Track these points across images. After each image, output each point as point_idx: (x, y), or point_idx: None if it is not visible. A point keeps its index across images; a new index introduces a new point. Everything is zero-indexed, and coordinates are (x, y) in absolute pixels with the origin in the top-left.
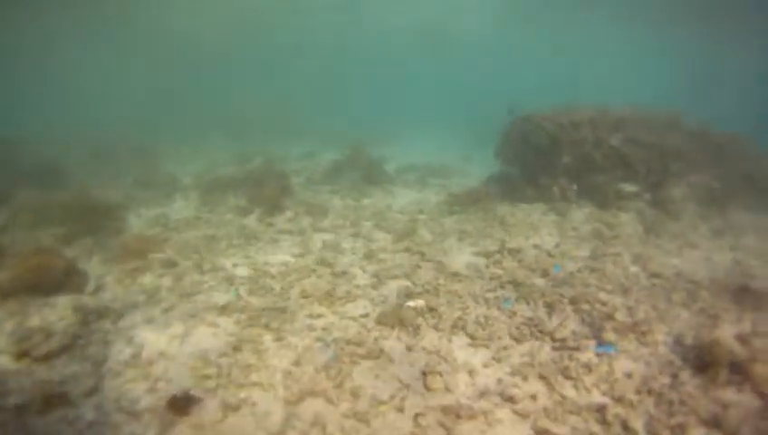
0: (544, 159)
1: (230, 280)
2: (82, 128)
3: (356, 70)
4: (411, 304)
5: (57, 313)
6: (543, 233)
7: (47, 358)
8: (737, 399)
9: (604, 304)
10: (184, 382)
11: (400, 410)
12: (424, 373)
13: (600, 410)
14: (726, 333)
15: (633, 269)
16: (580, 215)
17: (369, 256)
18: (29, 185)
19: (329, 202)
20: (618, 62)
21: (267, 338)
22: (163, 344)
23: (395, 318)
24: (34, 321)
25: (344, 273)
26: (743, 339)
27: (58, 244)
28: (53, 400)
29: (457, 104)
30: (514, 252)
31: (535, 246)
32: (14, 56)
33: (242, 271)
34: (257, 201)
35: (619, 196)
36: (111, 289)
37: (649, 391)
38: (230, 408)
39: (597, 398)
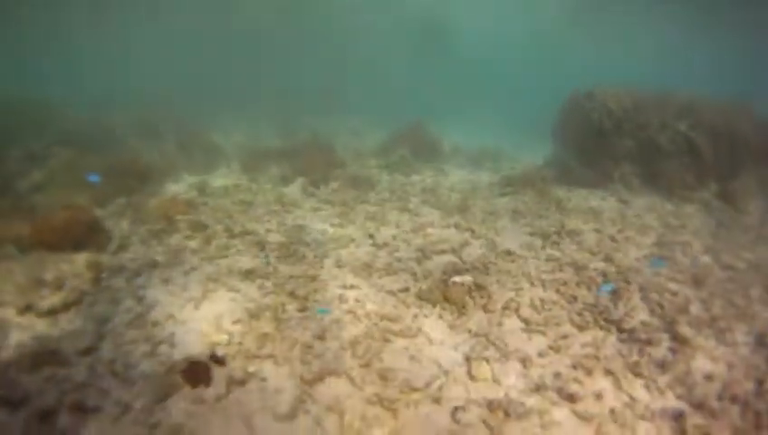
0: (605, 142)
1: (261, 245)
2: (130, 97)
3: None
4: (457, 279)
5: (72, 269)
6: (604, 218)
7: (51, 313)
8: None
9: (675, 294)
10: (189, 349)
11: (437, 400)
12: (468, 359)
13: (677, 417)
14: None
15: (705, 260)
16: (643, 202)
17: (415, 230)
18: (70, 147)
19: (376, 177)
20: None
21: (291, 307)
22: (175, 307)
23: (438, 294)
24: (48, 275)
25: (386, 245)
26: None
27: (92, 204)
28: (45, 357)
29: (511, 95)
30: (573, 234)
31: (596, 230)
32: (67, 28)
33: (275, 237)
34: (301, 171)
35: (685, 185)
36: (134, 249)
37: (733, 399)
38: (235, 382)
39: (672, 402)
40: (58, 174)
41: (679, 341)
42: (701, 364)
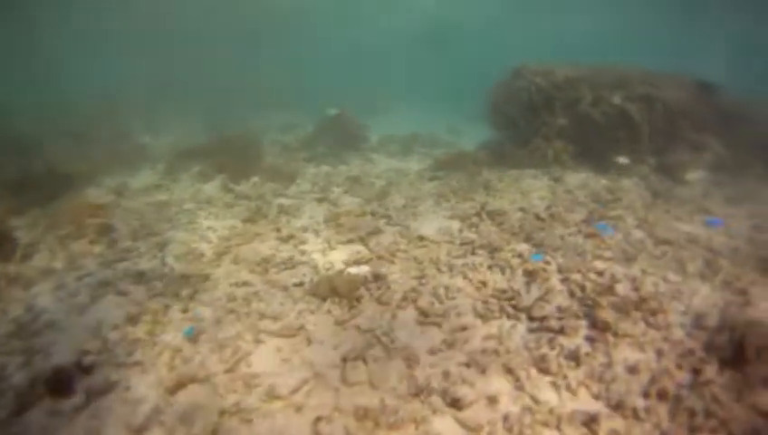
0: (536, 120)
1: (162, 246)
2: (59, 99)
3: (345, 43)
4: (353, 270)
5: None
6: (533, 197)
7: None
8: None
9: (600, 273)
10: (61, 357)
11: (299, 409)
12: (345, 360)
13: (589, 422)
14: (763, 312)
15: (638, 235)
16: (576, 179)
17: (328, 220)
18: None
19: (301, 169)
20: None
21: (174, 308)
22: (61, 314)
23: (329, 287)
24: None
25: (291, 237)
26: None
27: (8, 214)
28: None
29: (446, 79)
30: (495, 214)
31: (521, 209)
32: None
33: (179, 235)
34: (223, 168)
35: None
36: (39, 257)
37: (661, 395)
38: (97, 392)
39: (585, 403)
40: None
41: (599, 327)
42: (625, 354)
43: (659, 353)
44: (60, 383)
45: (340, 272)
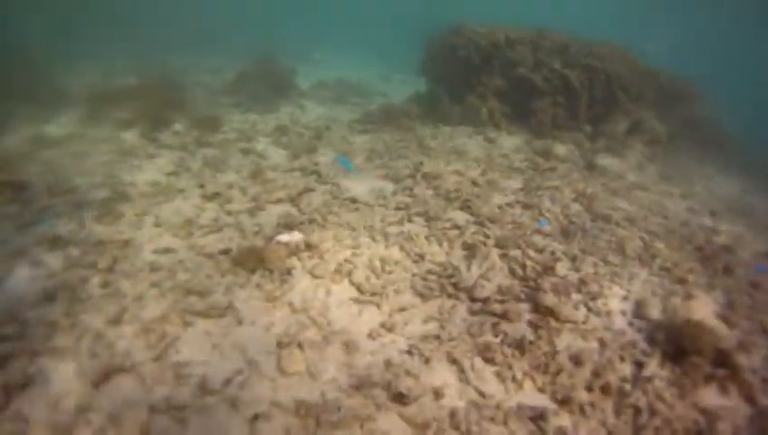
0: (473, 79)
1: (80, 204)
2: None
3: None
4: (284, 238)
5: None
6: (468, 158)
7: None
8: (725, 404)
9: (540, 250)
10: None
11: (233, 405)
12: (280, 345)
13: (537, 418)
14: (703, 307)
15: (575, 208)
16: (512, 142)
17: (255, 175)
18: None
19: (226, 116)
20: None
21: (93, 282)
22: None
23: (258, 257)
24: None
25: (217, 195)
26: (725, 317)
27: None
28: None
29: (377, 24)
30: (430, 177)
31: (456, 172)
32: None
33: (98, 193)
34: (144, 114)
35: (557, 125)
36: None
37: (605, 389)
38: (14, 387)
39: (532, 397)
40: None
41: (542, 312)
42: (568, 342)
43: (602, 344)
44: None
45: (270, 238)
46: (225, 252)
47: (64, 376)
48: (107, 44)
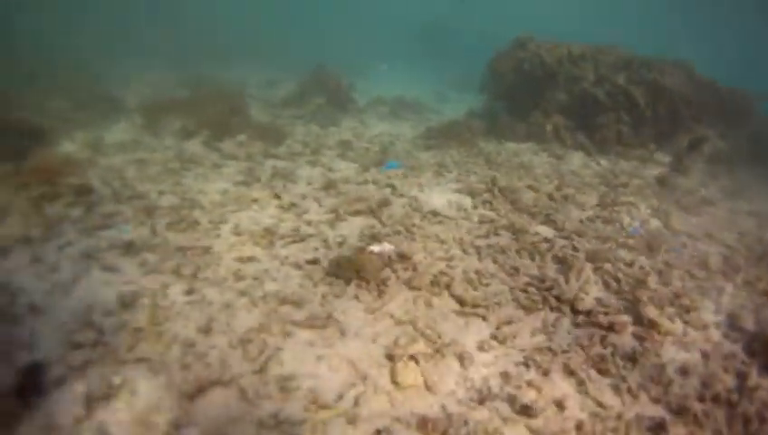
0: (537, 94)
1: (149, 211)
2: (17, 42)
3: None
4: (375, 248)
5: None
6: (538, 174)
7: None
8: None
9: (629, 264)
10: (48, 352)
11: (352, 420)
12: (391, 357)
13: (657, 428)
14: None
15: (654, 223)
16: (578, 158)
17: (328, 186)
18: None
19: (288, 128)
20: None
21: (176, 290)
22: (40, 295)
23: (353, 268)
24: None
25: (294, 205)
26: None
27: None
28: None
29: (431, 42)
30: (507, 192)
31: (531, 187)
32: None
33: (167, 200)
34: (206, 124)
35: (621, 141)
36: (11, 221)
37: (716, 399)
38: (98, 398)
39: (649, 407)
40: None
41: (644, 324)
42: (673, 354)
43: (704, 355)
44: (30, 383)
45: (361, 249)
46: (314, 262)
47: (153, 388)
48: (156, 55)
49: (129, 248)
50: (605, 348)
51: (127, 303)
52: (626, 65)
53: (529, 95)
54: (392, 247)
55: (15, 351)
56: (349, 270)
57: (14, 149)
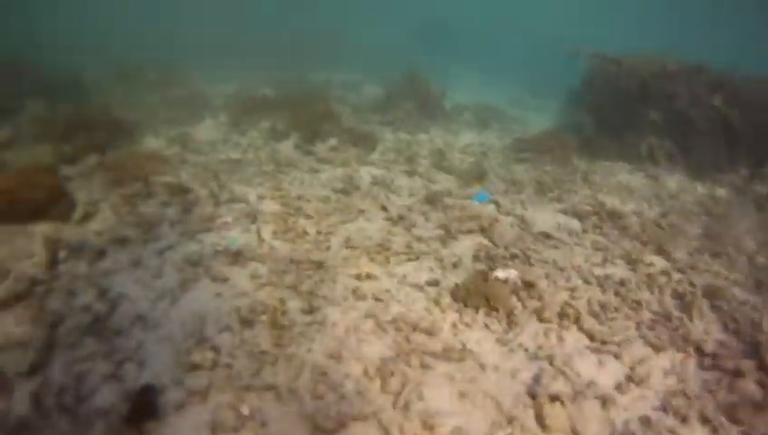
0: (630, 112)
1: (251, 215)
2: (108, 41)
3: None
4: (501, 274)
5: (26, 245)
6: (638, 197)
7: None
8: None
9: (743, 303)
10: (160, 368)
11: None
12: (533, 396)
13: None
14: None
15: (761, 260)
16: (674, 182)
17: (431, 200)
18: (43, 98)
19: (378, 133)
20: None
21: (294, 306)
22: (145, 304)
23: (479, 294)
24: None
25: (402, 218)
26: None
27: (60, 161)
28: None
29: (507, 48)
30: (614, 217)
31: (635, 213)
32: None
33: (268, 205)
34: (295, 126)
35: (716, 166)
36: (102, 218)
37: None
38: (226, 429)
39: None
40: (28, 128)
41: (767, 370)
42: None
43: None
44: (144, 406)
45: (482, 273)
46: (434, 284)
47: (284, 420)
48: (238, 51)
49: (237, 257)
50: (733, 394)
51: (245, 319)
52: (720, 85)
53: (620, 111)
54: (517, 274)
55: (122, 367)
56: (477, 296)
57: (103, 142)
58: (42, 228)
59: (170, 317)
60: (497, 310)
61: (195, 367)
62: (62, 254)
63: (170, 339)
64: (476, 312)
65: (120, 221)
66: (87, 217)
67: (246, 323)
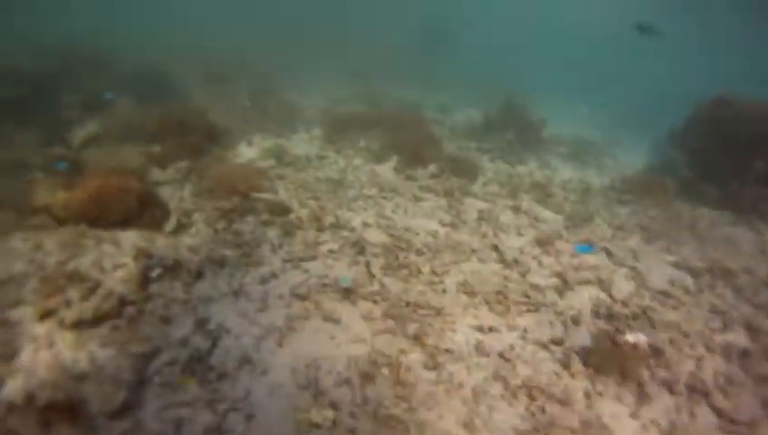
0: (734, 158)
1: (358, 246)
2: (197, 44)
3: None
4: (631, 338)
5: (116, 256)
6: (745, 253)
7: (76, 327)
8: None
9: None
10: (274, 427)
11: None
12: None
13: None
14: None
15: None
16: None
17: (543, 242)
18: (129, 95)
19: (477, 162)
20: None
21: (415, 360)
22: (250, 342)
23: (611, 362)
24: (84, 262)
25: (516, 262)
26: None
27: (149, 164)
28: (58, 413)
29: (600, 81)
30: (727, 275)
31: (746, 272)
32: None
33: (375, 235)
34: (392, 147)
35: None
36: (197, 232)
37: None
38: None
39: None
40: (113, 126)
41: None
42: None
43: None
44: None
45: (610, 335)
46: (558, 343)
47: None
48: (324, 62)
49: (348, 293)
50: None
51: (365, 373)
52: None
53: (722, 158)
54: (646, 339)
55: (226, 419)
56: (609, 363)
57: (196, 147)
58: (131, 237)
59: (279, 361)
60: (628, 379)
61: (312, 425)
62: (154, 272)
63: (281, 388)
64: (608, 378)
65: (216, 238)
66: (180, 228)
67: (366, 377)
